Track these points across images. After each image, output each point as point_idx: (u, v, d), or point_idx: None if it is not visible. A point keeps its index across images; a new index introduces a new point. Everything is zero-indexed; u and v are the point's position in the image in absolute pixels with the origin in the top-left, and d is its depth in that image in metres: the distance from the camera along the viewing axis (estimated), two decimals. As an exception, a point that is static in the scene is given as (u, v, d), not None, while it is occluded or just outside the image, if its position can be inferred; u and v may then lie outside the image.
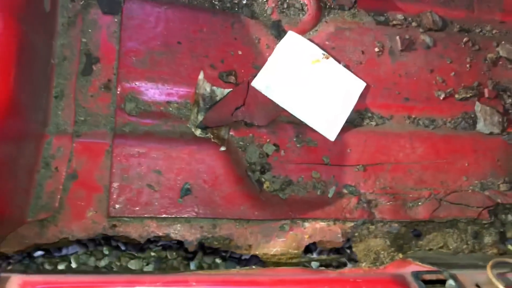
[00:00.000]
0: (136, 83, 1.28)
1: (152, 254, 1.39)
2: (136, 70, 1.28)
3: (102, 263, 1.39)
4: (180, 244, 1.23)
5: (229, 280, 0.97)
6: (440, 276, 1.12)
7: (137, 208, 1.19)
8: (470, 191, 1.43)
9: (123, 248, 1.32)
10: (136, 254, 1.38)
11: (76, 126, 1.21)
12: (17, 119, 1.01)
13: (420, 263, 1.23)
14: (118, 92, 1.26)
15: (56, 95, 1.21)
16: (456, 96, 1.50)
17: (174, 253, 1.39)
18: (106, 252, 1.40)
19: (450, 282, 1.10)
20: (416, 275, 1.09)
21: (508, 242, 1.45)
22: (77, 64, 1.24)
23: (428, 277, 1.11)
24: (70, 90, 1.23)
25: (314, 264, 1.32)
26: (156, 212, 1.19)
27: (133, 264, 1.39)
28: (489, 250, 1.40)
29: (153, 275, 0.99)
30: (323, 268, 1.26)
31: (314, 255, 1.31)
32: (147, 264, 1.38)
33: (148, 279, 0.95)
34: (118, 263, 1.39)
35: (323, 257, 1.31)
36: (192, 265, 1.33)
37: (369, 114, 1.44)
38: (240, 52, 1.38)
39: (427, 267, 1.20)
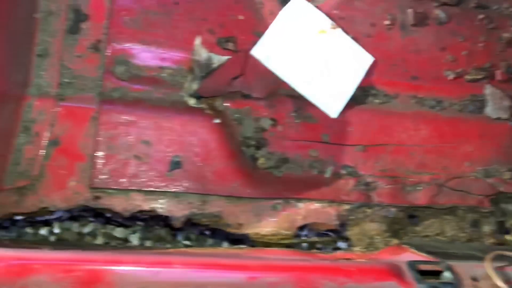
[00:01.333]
0: (128, 45, 1.19)
1: (139, 223, 1.33)
2: (128, 31, 1.19)
3: (86, 229, 1.34)
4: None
5: (216, 263, 0.92)
6: (436, 267, 1.07)
7: (122, 180, 1.12)
8: (472, 177, 1.38)
9: (108, 215, 1.27)
10: (122, 222, 1.33)
11: (60, 88, 1.13)
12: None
13: (416, 251, 1.18)
14: (107, 54, 1.17)
15: (40, 53, 1.12)
16: (466, 77, 1.42)
17: (162, 223, 1.34)
18: (92, 218, 1.34)
19: (446, 273, 1.05)
20: (412, 264, 1.05)
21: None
22: (64, 21, 1.15)
23: (423, 267, 1.06)
24: (55, 48, 1.13)
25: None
26: (142, 185, 1.13)
27: (118, 232, 1.34)
28: (487, 240, 1.36)
29: (134, 254, 0.93)
30: (315, 250, 1.21)
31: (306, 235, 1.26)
32: (134, 233, 1.33)
33: (130, 259, 0.89)
34: (103, 230, 1.34)
35: (315, 238, 1.26)
36: (179, 236, 1.28)
37: (374, 92, 1.36)
38: (241, 17, 1.28)
39: (423, 256, 1.15)
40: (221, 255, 1.12)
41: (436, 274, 1.08)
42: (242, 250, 1.15)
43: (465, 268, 1.10)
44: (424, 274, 1.07)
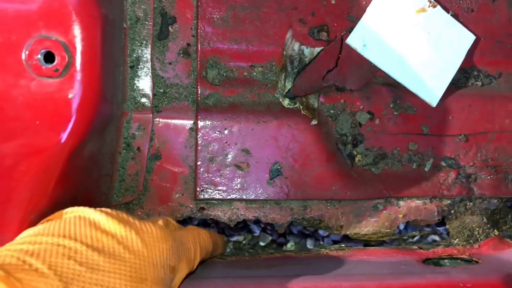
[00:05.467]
0: (218, 46, 1.12)
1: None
2: (217, 31, 1.11)
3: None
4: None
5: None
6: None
7: (225, 190, 1.11)
8: None
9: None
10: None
11: (155, 99, 1.09)
12: (103, 106, 0.90)
13: (522, 248, 1.16)
14: (198, 58, 1.11)
15: (132, 64, 1.07)
16: None
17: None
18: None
19: None
20: (528, 274, 1.03)
21: None
22: (152, 26, 1.08)
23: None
24: (146, 57, 1.08)
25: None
26: (245, 195, 1.12)
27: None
28: None
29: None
30: (415, 247, 1.20)
31: (408, 231, 1.25)
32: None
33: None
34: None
35: (415, 233, 1.25)
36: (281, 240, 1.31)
37: (475, 73, 1.26)
38: (333, 1, 1.17)
39: (532, 256, 1.13)
40: (326, 258, 1.13)
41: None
42: (345, 251, 1.15)
43: None
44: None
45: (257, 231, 1.57)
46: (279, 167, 1.13)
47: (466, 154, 1.24)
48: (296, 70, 1.16)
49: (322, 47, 1.17)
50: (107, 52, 0.86)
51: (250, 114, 1.13)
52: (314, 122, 1.15)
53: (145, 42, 1.08)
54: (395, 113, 1.22)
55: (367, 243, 1.24)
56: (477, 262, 1.13)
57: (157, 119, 1.09)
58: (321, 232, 1.62)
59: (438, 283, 0.98)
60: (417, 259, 1.14)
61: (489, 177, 1.25)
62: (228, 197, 1.11)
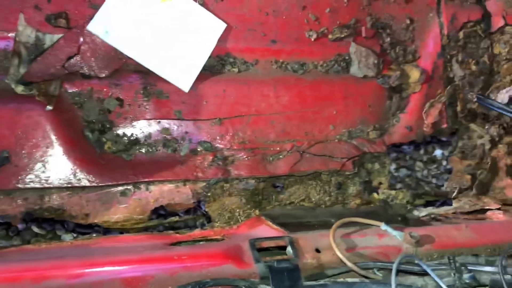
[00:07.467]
0: None
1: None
2: None
3: None
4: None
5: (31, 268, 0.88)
6: (280, 242, 1.07)
7: None
8: (336, 141, 1.37)
9: None
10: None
11: None
12: None
13: (270, 224, 1.18)
14: None
15: None
16: (330, 36, 1.37)
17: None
18: None
19: (288, 249, 1.06)
20: (253, 243, 1.04)
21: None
22: None
23: (265, 244, 1.06)
24: None
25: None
26: (-33, 186, 1.05)
27: None
28: (353, 201, 1.37)
29: None
30: (171, 231, 1.18)
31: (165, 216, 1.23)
32: None
33: None
34: None
35: (174, 219, 1.24)
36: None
37: (231, 60, 1.30)
38: (71, -11, 1.17)
39: (275, 229, 1.15)
40: (65, 248, 1.08)
41: (283, 248, 1.08)
42: (90, 240, 1.11)
43: (311, 240, 1.10)
44: (270, 250, 1.07)
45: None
46: (7, 155, 1.07)
47: (223, 137, 1.26)
48: (32, 57, 1.13)
49: (62, 34, 1.15)
50: None
51: (-25, 101, 1.07)
52: (48, 107, 1.11)
53: None
54: (145, 99, 1.21)
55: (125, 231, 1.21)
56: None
57: None
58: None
59: (152, 257, 0.96)
60: (167, 242, 1.12)
61: (246, 159, 1.27)
62: None
